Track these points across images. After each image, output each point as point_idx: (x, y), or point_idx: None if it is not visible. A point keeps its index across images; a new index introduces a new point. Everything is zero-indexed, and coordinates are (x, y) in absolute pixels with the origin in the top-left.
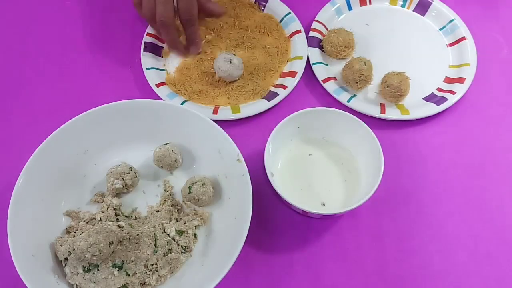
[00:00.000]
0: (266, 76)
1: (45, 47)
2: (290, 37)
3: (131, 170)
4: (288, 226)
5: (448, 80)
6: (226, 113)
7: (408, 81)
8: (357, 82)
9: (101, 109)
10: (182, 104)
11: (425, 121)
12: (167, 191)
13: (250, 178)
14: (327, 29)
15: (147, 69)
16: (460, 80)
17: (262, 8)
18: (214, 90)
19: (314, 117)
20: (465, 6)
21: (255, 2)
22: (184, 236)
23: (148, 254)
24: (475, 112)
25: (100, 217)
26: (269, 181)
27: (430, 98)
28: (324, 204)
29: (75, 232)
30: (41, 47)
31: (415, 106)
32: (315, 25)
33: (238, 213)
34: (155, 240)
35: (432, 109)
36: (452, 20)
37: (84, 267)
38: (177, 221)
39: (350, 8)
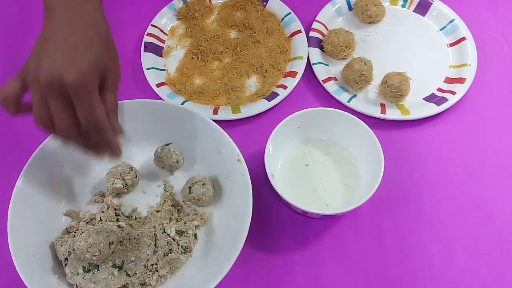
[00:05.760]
0: (272, 76)
1: None
2: (291, 37)
3: (132, 170)
4: (288, 226)
5: (449, 80)
6: (226, 113)
7: (409, 81)
8: (357, 82)
9: None
10: (182, 104)
11: (425, 121)
12: (167, 191)
13: (250, 178)
14: (327, 29)
15: (147, 69)
16: (461, 80)
17: (264, 4)
18: (214, 90)
19: (314, 117)
20: (465, 6)
21: None
22: (184, 236)
23: (148, 254)
24: (475, 112)
25: (100, 217)
26: (269, 181)
27: (431, 98)
28: (324, 204)
29: (75, 232)
30: None
31: (416, 106)
32: (315, 25)
33: (238, 213)
34: (155, 240)
35: (432, 109)
36: (452, 20)
37: (84, 267)
38: (177, 221)
39: (350, 8)
